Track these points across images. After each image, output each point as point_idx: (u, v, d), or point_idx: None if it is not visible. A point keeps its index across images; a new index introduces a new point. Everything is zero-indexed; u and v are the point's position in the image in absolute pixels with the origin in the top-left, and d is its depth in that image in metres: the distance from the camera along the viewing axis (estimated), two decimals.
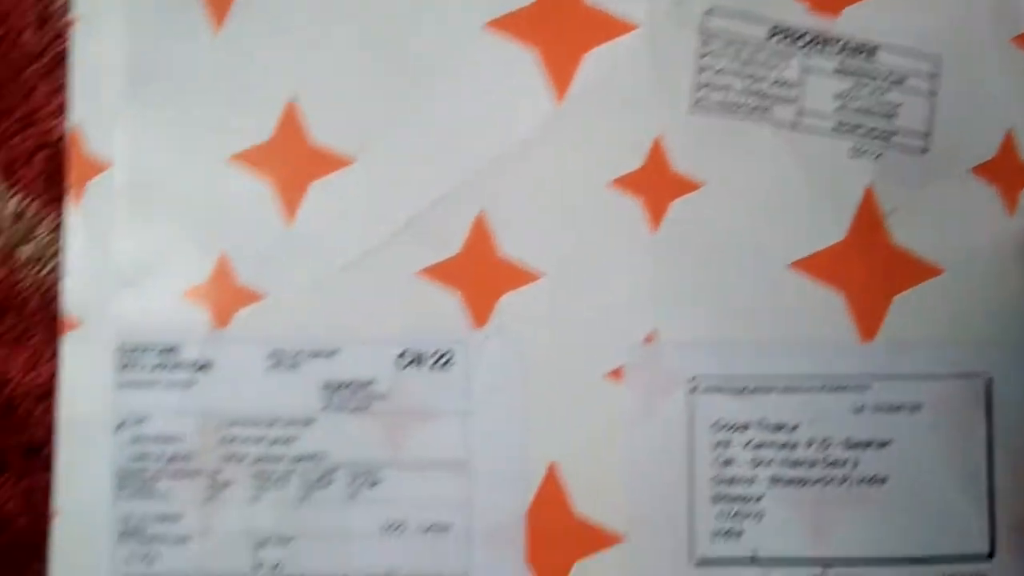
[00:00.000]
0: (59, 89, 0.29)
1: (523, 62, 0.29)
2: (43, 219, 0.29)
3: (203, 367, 0.28)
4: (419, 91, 0.29)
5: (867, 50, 0.29)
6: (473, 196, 0.28)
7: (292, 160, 0.28)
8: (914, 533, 0.29)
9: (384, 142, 0.28)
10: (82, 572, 0.28)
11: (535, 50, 0.29)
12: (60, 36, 0.30)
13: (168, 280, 0.28)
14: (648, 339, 0.28)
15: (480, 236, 0.28)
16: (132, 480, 0.28)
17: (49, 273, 0.29)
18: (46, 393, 0.29)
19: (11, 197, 0.29)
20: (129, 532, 0.28)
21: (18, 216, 0.29)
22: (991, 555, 0.28)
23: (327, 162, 0.28)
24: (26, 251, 0.29)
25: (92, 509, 0.28)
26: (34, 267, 0.29)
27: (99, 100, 0.29)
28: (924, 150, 0.29)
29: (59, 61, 0.30)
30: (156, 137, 0.28)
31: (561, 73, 0.29)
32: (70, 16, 0.29)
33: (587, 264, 0.28)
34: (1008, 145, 0.29)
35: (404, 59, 0.29)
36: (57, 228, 0.29)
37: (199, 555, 0.28)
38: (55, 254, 0.29)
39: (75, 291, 0.28)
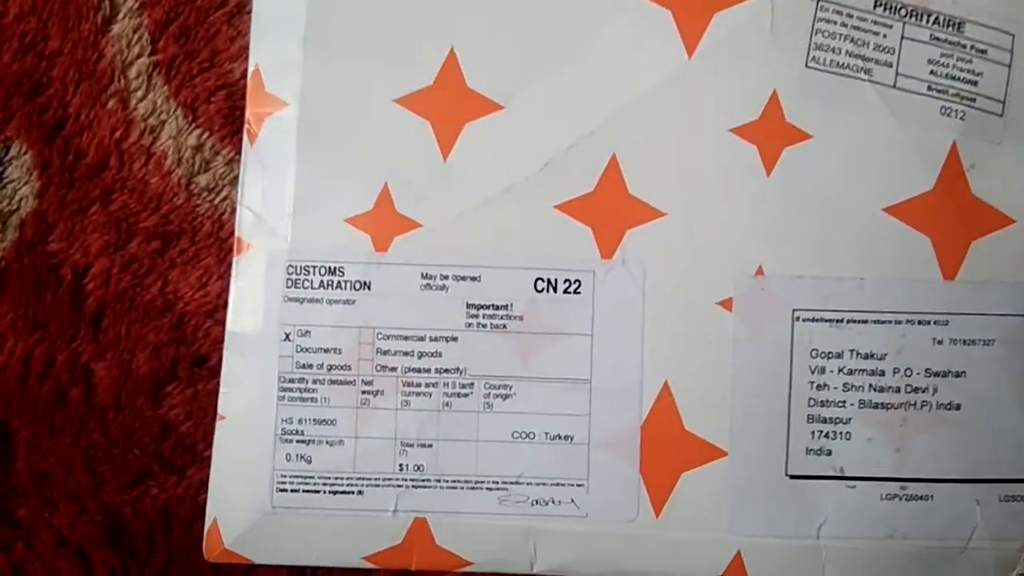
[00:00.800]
0: (240, 35, 0.33)
1: (659, 20, 0.31)
2: (219, 152, 0.33)
3: (363, 286, 0.31)
4: (563, 45, 0.31)
5: (956, 23, 0.32)
6: (607, 140, 0.31)
7: (450, 104, 0.31)
8: (983, 456, 0.31)
9: (530, 91, 0.31)
10: (244, 471, 0.31)
11: (670, 10, 0.31)
12: None
13: (335, 208, 0.31)
14: (757, 273, 0.31)
15: (612, 176, 0.31)
16: (294, 387, 0.31)
17: (223, 201, 0.33)
18: (214, 309, 0.33)
19: (191, 131, 0.33)
20: (289, 434, 0.31)
21: (197, 149, 0.33)
22: None
23: (481, 106, 0.31)
24: (202, 180, 0.33)
25: (256, 414, 0.31)
26: (209, 195, 0.33)
27: (278, 46, 0.32)
28: (1001, 114, 0.32)
29: (241, 8, 0.33)
30: (329, 81, 0.31)
31: (692, 31, 0.31)
32: None
33: (706, 204, 0.31)
34: None
35: (550, 16, 0.32)
36: (232, 161, 0.33)
37: (351, 456, 0.31)
38: (229, 184, 0.33)
39: (249, 217, 0.31)
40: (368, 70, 0.32)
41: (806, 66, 0.32)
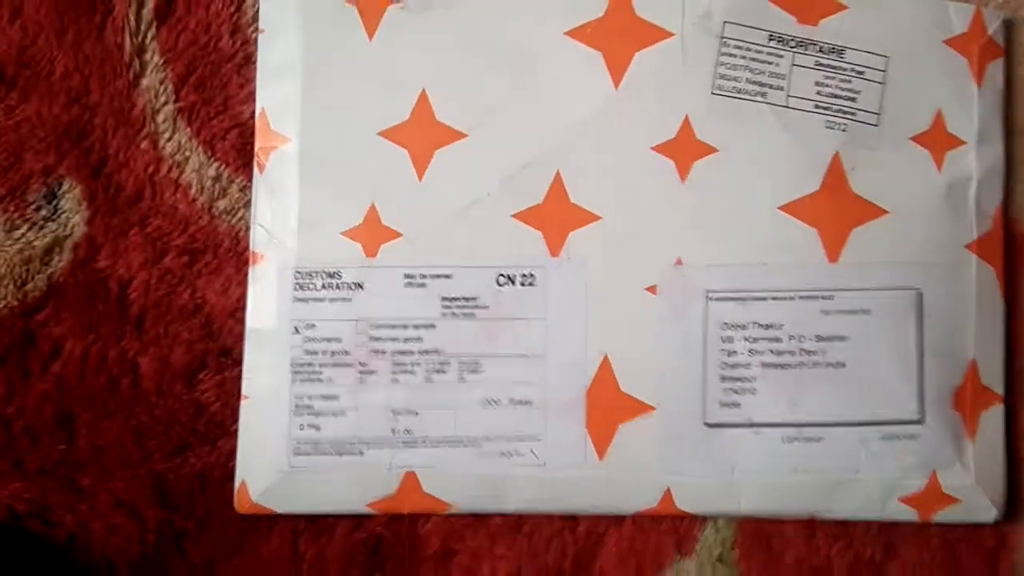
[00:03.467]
0: (248, 82, 0.38)
1: (592, 59, 0.37)
2: (234, 180, 0.38)
3: (357, 286, 0.36)
4: (516, 84, 0.37)
5: (837, 50, 0.37)
6: (552, 159, 0.37)
7: (423, 134, 0.36)
8: (865, 404, 0.37)
9: (489, 121, 0.37)
10: (265, 440, 0.37)
11: (600, 51, 0.37)
12: (248, 41, 0.38)
13: (332, 224, 0.36)
14: (677, 263, 0.37)
15: (557, 189, 0.36)
16: (303, 370, 0.36)
17: (239, 221, 0.38)
18: (235, 310, 0.37)
19: (211, 165, 0.37)
20: (301, 408, 0.36)
21: (216, 179, 0.38)
22: (921, 420, 0.37)
23: (448, 135, 0.36)
24: (221, 205, 0.38)
25: (273, 393, 0.37)
26: (228, 217, 0.38)
27: (280, 90, 0.37)
28: (877, 124, 0.37)
29: (248, 60, 0.38)
30: (323, 118, 0.37)
31: (618, 68, 0.37)
32: (257, 27, 0.37)
33: (634, 208, 0.37)
34: (939, 120, 0.38)
35: (505, 60, 0.37)
36: (245, 188, 0.37)
37: (352, 424, 0.36)
38: (244, 207, 0.37)
39: (261, 233, 0.36)
40: (355, 108, 0.37)
41: (712, 93, 0.37)
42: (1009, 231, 0.39)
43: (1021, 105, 0.39)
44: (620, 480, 0.37)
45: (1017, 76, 0.39)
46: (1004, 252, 0.38)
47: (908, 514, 0.37)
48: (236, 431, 0.37)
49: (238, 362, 0.37)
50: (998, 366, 0.38)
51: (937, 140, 0.38)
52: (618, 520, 0.38)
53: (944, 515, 0.37)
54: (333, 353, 0.36)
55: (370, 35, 0.36)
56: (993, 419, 0.38)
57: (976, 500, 0.37)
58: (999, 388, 0.38)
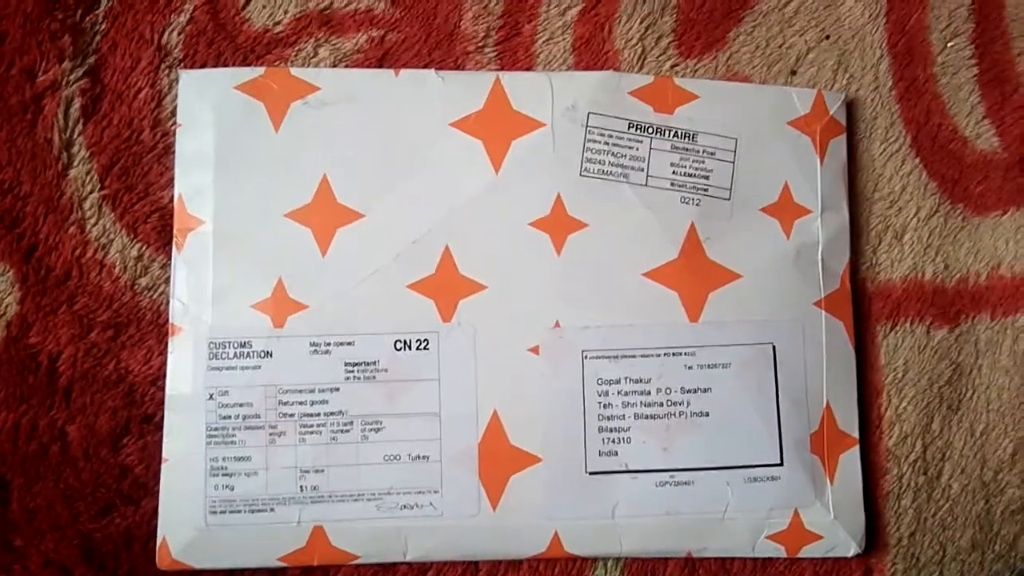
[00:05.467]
0: (167, 170, 0.42)
1: (473, 147, 0.42)
2: (155, 259, 0.42)
3: (266, 354, 0.40)
4: (407, 169, 0.42)
5: (691, 135, 0.43)
6: (442, 235, 0.41)
7: (325, 215, 0.41)
8: (730, 449, 0.42)
9: (384, 202, 0.41)
10: (183, 501, 0.40)
11: (481, 140, 0.42)
12: (167, 134, 0.43)
13: (243, 297, 0.40)
14: (555, 326, 0.41)
15: (446, 262, 0.41)
16: (218, 434, 0.40)
17: (159, 296, 0.42)
18: (156, 379, 0.41)
19: (134, 246, 0.42)
20: (216, 469, 0.40)
21: (138, 259, 0.42)
22: (781, 463, 0.42)
23: (348, 215, 0.41)
24: (143, 282, 0.42)
25: (190, 455, 0.40)
26: (149, 292, 0.42)
27: (195, 178, 0.41)
28: (728, 198, 0.43)
29: (167, 151, 0.42)
30: (234, 202, 0.41)
31: (497, 154, 0.42)
32: (176, 121, 0.42)
33: (515, 278, 0.41)
34: (786, 192, 0.43)
35: (397, 148, 0.42)
36: (165, 266, 0.42)
37: (263, 483, 0.40)
38: (163, 283, 0.42)
39: (179, 308, 0.41)
40: (263, 193, 0.41)
41: (580, 175, 0.42)
42: (856, 287, 0.45)
43: (866, 175, 0.46)
44: (512, 527, 0.41)
45: (860, 149, 0.46)
46: (852, 307, 0.44)
47: (776, 551, 0.42)
48: (158, 492, 0.40)
49: (159, 427, 0.41)
50: (852, 411, 0.43)
51: (785, 210, 0.43)
52: (515, 564, 0.43)
53: (809, 550, 0.42)
54: (245, 417, 0.40)
55: (276, 127, 0.41)
56: (850, 461, 0.43)
57: (837, 536, 0.42)
58: (854, 432, 0.43)
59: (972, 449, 0.45)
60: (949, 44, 0.47)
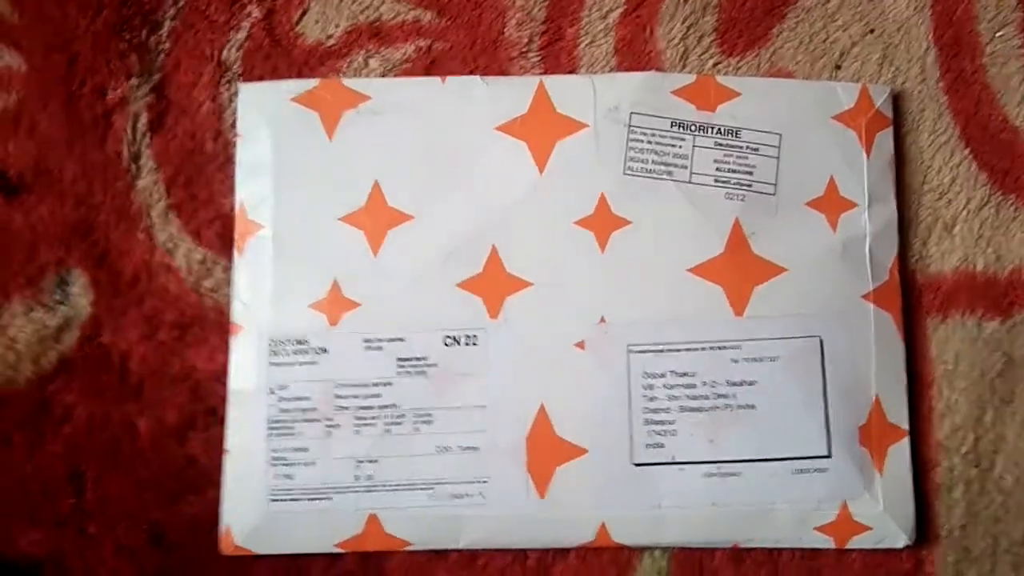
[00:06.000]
0: (228, 179, 0.45)
1: (518, 149, 0.43)
2: (218, 263, 0.44)
3: (323, 351, 0.42)
4: (455, 172, 0.43)
5: (734, 131, 0.44)
6: (489, 235, 0.43)
7: (377, 218, 0.43)
8: (776, 441, 0.42)
9: (433, 205, 0.43)
10: (245, 490, 0.42)
11: (526, 142, 0.44)
12: (228, 144, 0.45)
13: (300, 298, 0.43)
14: (601, 321, 0.43)
15: (493, 261, 0.43)
16: (278, 426, 0.42)
17: (222, 297, 0.44)
18: (219, 375, 0.44)
19: (198, 250, 0.44)
20: (276, 459, 0.42)
21: (202, 262, 0.44)
22: (829, 455, 0.42)
23: (398, 218, 0.43)
24: (206, 284, 0.44)
25: (252, 447, 0.42)
26: (212, 294, 0.44)
27: (255, 186, 0.44)
28: (773, 193, 0.44)
29: (228, 161, 0.45)
30: (291, 208, 0.43)
31: (542, 155, 0.43)
32: (236, 132, 0.44)
33: (561, 275, 0.43)
34: (832, 186, 0.44)
35: (446, 152, 0.43)
36: (227, 269, 0.44)
37: (321, 473, 0.42)
38: (226, 285, 0.44)
39: (240, 308, 0.43)
40: (318, 199, 0.43)
41: (624, 173, 0.43)
42: (906, 280, 0.45)
43: (913, 167, 0.46)
44: (560, 517, 0.42)
45: (908, 141, 0.46)
46: (902, 299, 0.44)
47: (824, 542, 0.43)
48: (221, 481, 0.42)
49: (222, 420, 0.43)
50: (902, 403, 0.44)
51: (831, 204, 0.44)
52: (563, 553, 0.44)
53: (858, 541, 0.43)
54: (303, 410, 0.42)
55: (330, 136, 0.43)
56: (899, 452, 0.43)
57: (886, 527, 0.43)
58: (904, 424, 0.43)
59: None
60: (998, 34, 0.47)
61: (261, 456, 0.42)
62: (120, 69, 0.45)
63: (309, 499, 0.42)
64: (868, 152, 0.44)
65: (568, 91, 0.44)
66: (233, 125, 0.45)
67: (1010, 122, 0.46)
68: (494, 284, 0.43)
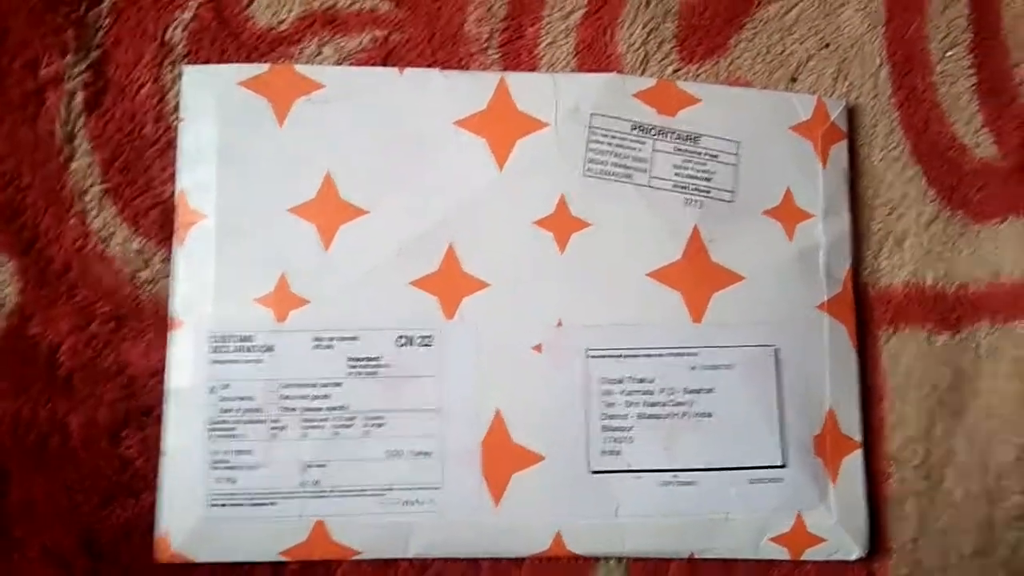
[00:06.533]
0: (169, 165, 0.43)
1: (478, 146, 0.43)
2: (156, 253, 0.42)
3: (268, 349, 0.41)
4: (411, 167, 0.42)
5: (694, 137, 0.44)
6: (446, 232, 0.42)
7: (328, 211, 0.42)
8: (732, 451, 0.42)
9: (388, 199, 0.42)
10: (183, 494, 0.40)
11: (485, 139, 0.43)
12: (169, 128, 0.43)
13: (245, 291, 0.41)
14: (558, 324, 0.42)
15: (450, 259, 0.42)
16: (219, 427, 0.40)
17: (159, 290, 0.42)
18: (156, 371, 0.42)
19: (135, 239, 0.42)
20: (217, 463, 0.40)
21: (139, 252, 0.42)
22: (784, 465, 0.43)
23: (351, 212, 0.42)
24: (144, 275, 0.42)
25: (191, 449, 0.40)
26: (150, 286, 0.42)
27: (198, 173, 0.42)
28: (731, 200, 0.44)
29: (169, 145, 0.43)
30: (237, 197, 0.42)
31: (501, 153, 0.43)
32: (179, 115, 0.43)
33: (519, 276, 0.42)
34: (788, 196, 0.44)
35: (402, 145, 0.42)
36: (166, 259, 0.42)
37: (265, 477, 0.40)
38: (164, 277, 0.42)
39: (180, 301, 0.41)
40: (266, 188, 0.42)
41: (584, 175, 0.43)
42: (858, 292, 0.46)
43: (866, 181, 0.47)
44: (515, 525, 0.41)
45: (861, 155, 0.47)
46: (855, 311, 0.45)
47: (779, 553, 0.43)
48: (157, 485, 0.40)
49: (159, 420, 0.41)
50: (855, 415, 0.44)
51: (787, 214, 0.44)
52: (517, 562, 0.43)
53: (812, 553, 0.43)
54: (246, 411, 0.40)
55: (280, 123, 0.42)
56: (853, 464, 0.44)
57: (839, 539, 0.43)
58: (857, 436, 0.44)
59: (974, 455, 0.45)
60: (948, 54, 0.48)
61: (200, 458, 0.40)
62: (55, 44, 0.43)
63: (252, 504, 0.40)
64: (824, 163, 0.45)
65: (529, 89, 0.44)
66: (175, 108, 0.43)
67: (958, 140, 0.48)
68: (450, 283, 0.42)
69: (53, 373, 0.41)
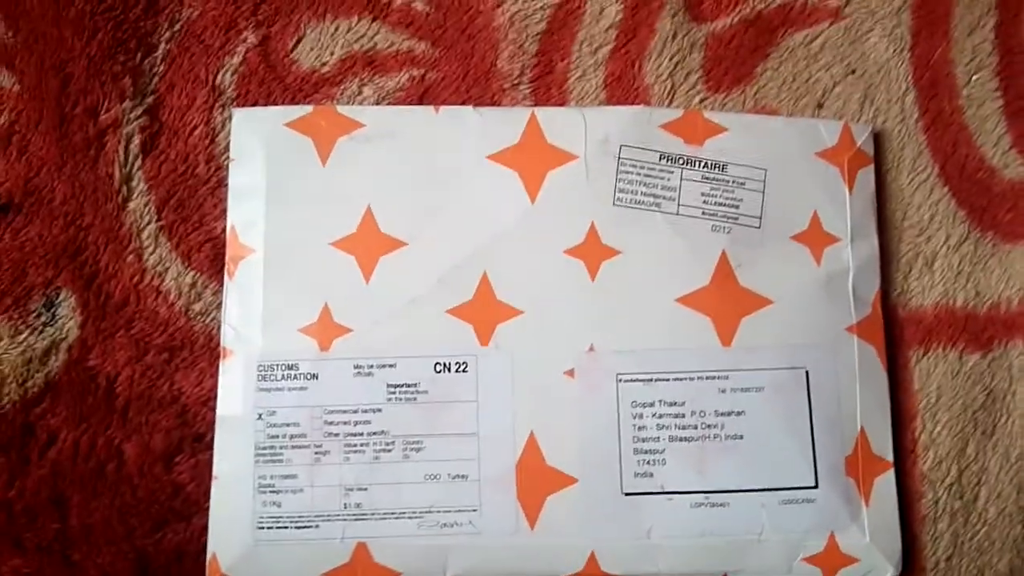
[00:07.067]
0: (220, 202, 0.45)
1: (510, 178, 0.44)
2: (208, 286, 0.45)
3: (312, 376, 0.43)
4: (447, 200, 0.44)
5: (721, 165, 0.45)
6: (480, 262, 0.44)
7: (368, 244, 0.43)
8: (764, 472, 0.43)
9: (425, 231, 0.44)
10: (232, 516, 0.42)
11: (517, 172, 0.45)
12: (220, 168, 0.46)
13: (291, 322, 0.43)
14: (590, 349, 0.43)
15: (484, 288, 0.43)
16: (265, 452, 0.42)
17: (211, 321, 0.45)
18: (208, 399, 0.44)
19: (188, 273, 0.45)
20: (264, 487, 0.42)
21: (192, 285, 0.45)
22: (816, 486, 0.43)
23: (391, 244, 0.44)
24: (196, 308, 0.45)
25: (239, 474, 0.42)
26: (202, 318, 0.45)
27: (247, 209, 0.44)
28: (759, 227, 0.45)
29: (220, 184, 0.46)
30: (283, 232, 0.44)
31: (533, 185, 0.44)
32: (228, 156, 0.45)
33: (551, 303, 0.43)
34: (815, 221, 0.45)
35: (438, 180, 0.44)
36: (217, 292, 0.45)
37: (309, 500, 0.42)
38: (215, 309, 0.45)
39: (230, 332, 0.43)
40: (310, 223, 0.44)
41: (613, 204, 0.45)
42: (888, 313, 0.46)
43: (894, 204, 0.48)
44: (550, 546, 0.42)
45: (889, 179, 0.48)
46: (884, 332, 0.45)
47: (813, 573, 0.43)
48: (208, 508, 0.42)
49: (210, 446, 0.43)
50: (887, 435, 0.45)
51: (815, 238, 0.45)
52: None
53: (846, 573, 0.43)
54: (292, 436, 0.42)
55: (323, 161, 0.44)
56: (885, 484, 0.44)
57: (873, 559, 0.43)
58: (889, 456, 0.44)
59: (1008, 474, 0.46)
60: (974, 77, 0.49)
61: (248, 483, 0.42)
62: (114, 91, 0.46)
63: (296, 527, 0.42)
64: (851, 188, 0.46)
65: (559, 123, 0.45)
66: (226, 149, 0.46)
67: (986, 162, 0.48)
68: (485, 311, 0.43)
69: (111, 403, 0.44)
